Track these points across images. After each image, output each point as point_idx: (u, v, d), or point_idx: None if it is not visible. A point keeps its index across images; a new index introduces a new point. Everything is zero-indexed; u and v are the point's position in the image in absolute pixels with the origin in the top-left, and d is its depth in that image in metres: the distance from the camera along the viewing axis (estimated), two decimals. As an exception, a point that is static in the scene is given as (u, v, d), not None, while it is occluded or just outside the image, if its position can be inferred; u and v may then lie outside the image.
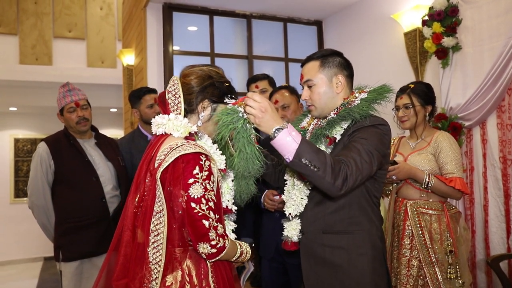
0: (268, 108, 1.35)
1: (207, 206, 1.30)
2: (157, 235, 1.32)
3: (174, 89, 1.45)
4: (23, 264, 6.89)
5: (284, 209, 1.67)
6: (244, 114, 1.38)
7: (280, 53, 4.59)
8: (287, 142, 1.34)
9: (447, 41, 2.99)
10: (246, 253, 1.45)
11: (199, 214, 1.29)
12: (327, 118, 1.62)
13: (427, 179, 2.15)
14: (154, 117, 1.47)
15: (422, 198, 2.23)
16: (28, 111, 7.23)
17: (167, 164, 1.31)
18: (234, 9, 4.29)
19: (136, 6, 4.45)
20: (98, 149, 2.59)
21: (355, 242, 1.56)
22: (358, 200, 1.57)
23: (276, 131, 1.35)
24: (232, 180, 1.56)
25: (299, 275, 1.70)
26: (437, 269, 2.12)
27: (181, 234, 1.34)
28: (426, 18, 3.12)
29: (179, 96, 1.44)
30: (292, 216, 1.64)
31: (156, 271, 1.31)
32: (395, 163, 2.19)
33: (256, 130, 1.41)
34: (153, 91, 3.00)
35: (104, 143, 2.65)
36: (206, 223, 1.29)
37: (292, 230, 1.65)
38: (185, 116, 1.45)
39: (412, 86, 2.32)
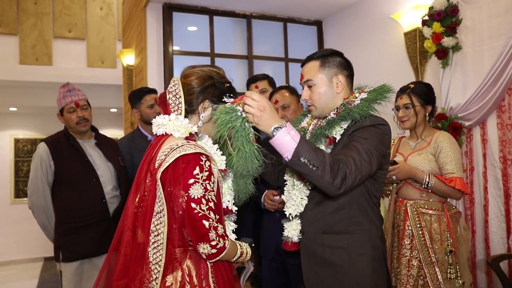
0: (267, 107, 1.35)
1: (207, 207, 1.30)
2: (157, 235, 1.32)
3: (175, 89, 1.45)
4: (23, 264, 6.89)
5: (284, 209, 1.67)
6: (243, 113, 1.38)
7: (280, 53, 4.59)
8: (286, 141, 1.34)
9: (447, 41, 2.99)
10: (246, 253, 1.45)
11: (199, 214, 1.29)
12: (327, 118, 1.62)
13: (427, 179, 2.15)
14: (155, 117, 1.47)
15: (422, 198, 2.23)
16: (28, 111, 7.23)
17: (167, 164, 1.32)
18: (234, 9, 4.29)
19: (136, 6, 4.45)
20: (98, 150, 2.59)
21: (355, 242, 1.56)
22: (358, 200, 1.57)
23: (275, 130, 1.34)
24: (232, 180, 1.56)
25: (299, 275, 1.70)
26: (437, 269, 2.12)
27: (181, 234, 1.34)
28: (426, 18, 3.12)
29: (180, 97, 1.44)
30: (292, 217, 1.64)
31: (156, 271, 1.31)
32: (395, 163, 2.19)
33: (255, 129, 1.41)
34: (153, 91, 3.00)
35: (104, 143, 2.65)
36: (206, 223, 1.29)
37: (292, 231, 1.65)
38: (185, 116, 1.45)
39: (412, 86, 2.32)
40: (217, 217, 1.32)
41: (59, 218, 2.45)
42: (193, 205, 1.29)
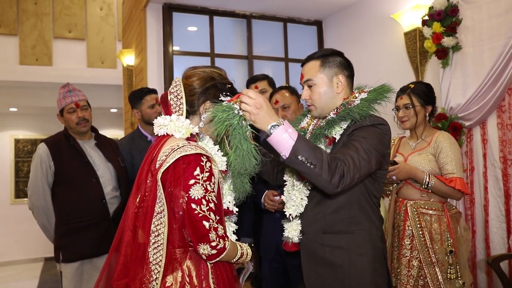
0: (263, 105, 1.35)
1: (207, 207, 1.30)
2: (158, 235, 1.32)
3: (176, 90, 1.45)
4: (23, 265, 6.89)
5: (284, 210, 1.67)
6: (240, 111, 1.38)
7: (280, 53, 4.59)
8: (284, 139, 1.34)
9: (447, 41, 2.99)
10: (247, 254, 1.45)
11: (200, 215, 1.29)
12: (327, 118, 1.61)
13: (427, 179, 2.15)
14: (156, 117, 1.47)
15: (423, 198, 2.23)
16: (28, 112, 7.23)
17: (168, 165, 1.32)
18: (234, 9, 4.29)
19: (136, 7, 4.45)
20: (98, 150, 2.59)
21: (355, 242, 1.56)
22: (358, 200, 1.57)
23: (272, 127, 1.34)
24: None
25: (300, 275, 1.70)
26: (437, 270, 2.12)
27: (181, 235, 1.34)
28: (426, 18, 3.12)
29: (181, 97, 1.44)
30: (292, 217, 1.64)
31: (157, 271, 1.31)
32: (395, 163, 2.19)
33: (254, 128, 1.41)
34: (154, 91, 3.00)
35: (104, 144, 2.65)
36: (206, 224, 1.29)
37: (292, 231, 1.64)
38: (187, 117, 1.45)
39: (412, 86, 2.32)
40: (218, 218, 1.32)
41: (59, 219, 2.45)
42: (193, 205, 1.29)
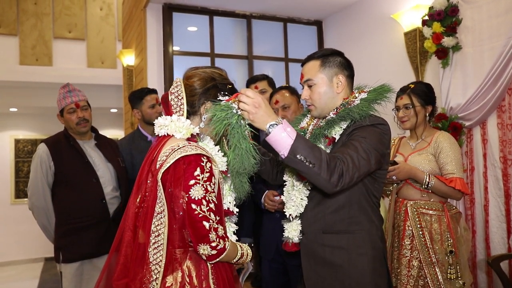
0: (262, 104, 1.35)
1: (207, 208, 1.30)
2: (158, 235, 1.32)
3: (177, 90, 1.46)
4: (23, 265, 6.89)
5: (284, 210, 1.66)
6: (238, 110, 1.37)
7: (280, 53, 4.59)
8: (282, 138, 1.33)
9: (447, 41, 2.99)
10: (247, 255, 1.45)
11: (200, 215, 1.29)
12: (326, 118, 1.61)
13: (427, 180, 2.15)
14: (156, 117, 1.48)
15: (423, 198, 2.23)
16: (28, 112, 7.23)
17: (168, 165, 1.32)
18: (234, 9, 4.29)
19: (136, 7, 4.45)
20: (98, 150, 2.59)
21: (355, 242, 1.56)
22: (358, 200, 1.57)
23: (271, 126, 1.34)
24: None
25: (300, 275, 1.70)
26: (437, 270, 2.12)
27: (181, 235, 1.34)
28: (426, 18, 3.12)
29: (182, 98, 1.44)
30: (292, 217, 1.64)
31: (157, 271, 1.31)
32: (395, 163, 2.19)
33: (253, 127, 1.41)
34: (154, 91, 3.00)
35: (104, 144, 2.65)
36: (206, 224, 1.29)
37: (292, 231, 1.64)
38: (187, 117, 1.45)
39: (412, 86, 2.32)
40: (218, 218, 1.32)
41: (59, 219, 2.45)
42: (193, 206, 1.29)
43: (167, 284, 1.31)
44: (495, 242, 2.79)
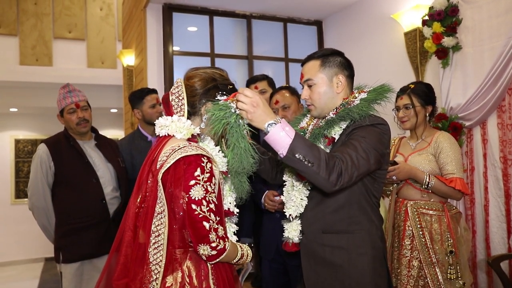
0: (260, 103, 1.34)
1: (207, 208, 1.30)
2: (158, 236, 1.32)
3: (178, 91, 1.46)
4: (23, 265, 6.89)
5: (284, 210, 1.66)
6: (237, 109, 1.37)
7: (280, 53, 4.59)
8: (281, 137, 1.33)
9: (447, 41, 2.98)
10: (247, 255, 1.45)
11: (200, 216, 1.29)
12: (326, 118, 1.61)
13: (427, 180, 2.15)
14: (157, 117, 1.48)
15: (423, 198, 2.23)
16: (28, 112, 7.23)
17: (168, 165, 1.32)
18: (234, 9, 4.29)
19: (136, 7, 4.46)
20: (98, 151, 2.59)
21: (355, 242, 1.56)
22: (357, 200, 1.57)
23: (269, 126, 1.34)
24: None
25: (300, 275, 1.70)
26: (437, 270, 2.12)
27: (181, 235, 1.34)
28: (426, 18, 3.12)
29: (183, 98, 1.44)
30: (292, 217, 1.64)
31: (157, 271, 1.31)
32: (395, 163, 2.19)
33: (252, 127, 1.41)
34: (154, 91, 3.01)
35: (104, 144, 2.65)
36: (206, 225, 1.29)
37: (292, 231, 1.64)
38: (188, 118, 1.45)
39: (412, 86, 2.32)
40: (218, 218, 1.32)
41: (59, 219, 2.45)
42: (193, 206, 1.29)
43: (167, 284, 1.31)
44: (495, 242, 2.79)
